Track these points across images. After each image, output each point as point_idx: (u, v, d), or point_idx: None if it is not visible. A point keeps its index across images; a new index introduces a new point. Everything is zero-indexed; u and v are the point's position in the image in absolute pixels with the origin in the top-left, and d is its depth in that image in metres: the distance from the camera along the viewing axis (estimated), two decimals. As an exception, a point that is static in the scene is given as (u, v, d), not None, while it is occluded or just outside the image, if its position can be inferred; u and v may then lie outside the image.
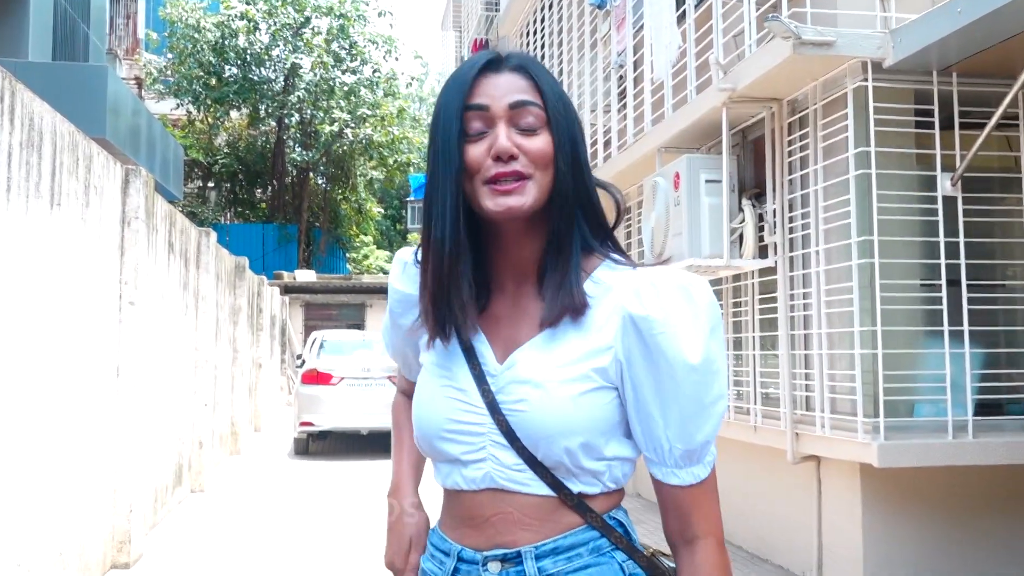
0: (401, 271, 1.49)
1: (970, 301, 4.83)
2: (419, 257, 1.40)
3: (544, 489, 1.28)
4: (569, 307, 1.29)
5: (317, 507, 8.03)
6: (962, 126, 4.89)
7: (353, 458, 11.56)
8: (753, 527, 6.13)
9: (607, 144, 8.39)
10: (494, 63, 1.32)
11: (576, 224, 1.32)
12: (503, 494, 1.30)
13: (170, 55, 27.56)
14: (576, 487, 1.29)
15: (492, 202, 1.27)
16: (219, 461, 10.40)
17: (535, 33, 11.51)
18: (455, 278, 1.31)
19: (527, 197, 1.27)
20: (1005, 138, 5.12)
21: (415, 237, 35.60)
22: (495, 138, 1.27)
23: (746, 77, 5.25)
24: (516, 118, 1.28)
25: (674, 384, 1.23)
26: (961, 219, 4.85)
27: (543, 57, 10.68)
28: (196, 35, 26.94)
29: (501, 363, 1.32)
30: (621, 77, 7.95)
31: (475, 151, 1.28)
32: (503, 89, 1.29)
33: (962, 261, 4.83)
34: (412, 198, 25.11)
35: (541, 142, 1.28)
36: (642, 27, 7.10)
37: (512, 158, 1.26)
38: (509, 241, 1.34)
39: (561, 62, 10.03)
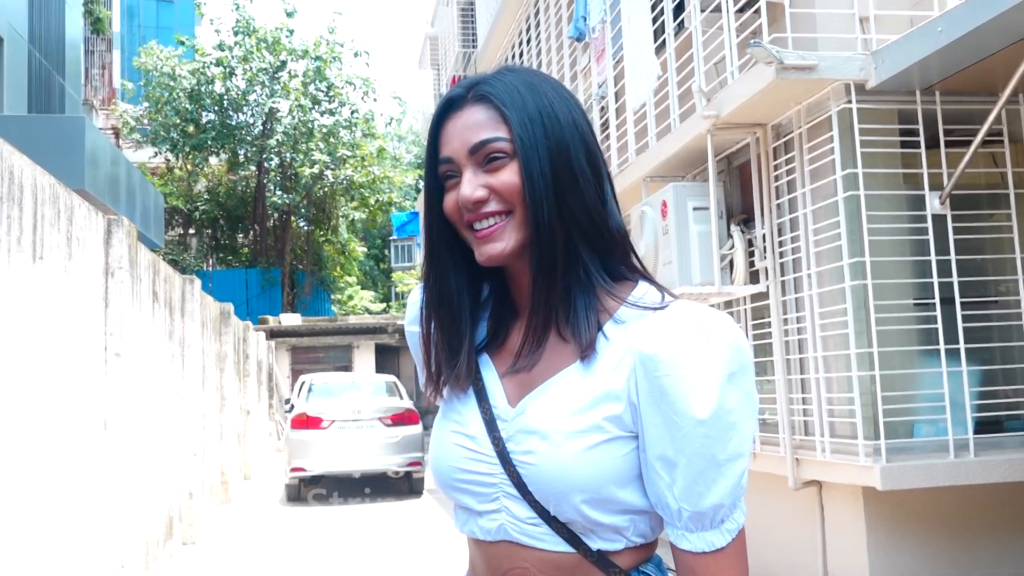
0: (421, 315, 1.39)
1: (965, 319, 4.82)
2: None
3: (562, 545, 1.17)
4: (581, 347, 1.19)
5: (312, 556, 7.88)
6: (947, 144, 4.90)
7: (347, 503, 11.39)
8: (756, 555, 6.04)
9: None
10: (456, 101, 1.23)
11: (574, 254, 1.20)
12: (520, 548, 1.20)
13: (146, 104, 27.56)
14: (595, 544, 1.17)
15: (477, 251, 1.21)
16: (210, 511, 10.23)
17: (513, 68, 11.55)
18: (450, 332, 1.27)
19: (505, 241, 1.19)
20: (991, 155, 5.13)
21: (399, 276, 35.55)
22: (461, 186, 1.20)
23: (729, 104, 5.25)
24: (481, 157, 1.19)
25: (680, 436, 1.10)
26: (952, 237, 4.85)
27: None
28: (172, 83, 26.98)
29: (514, 406, 1.23)
30: (603, 108, 7.97)
31: (450, 200, 1.22)
32: (462, 132, 1.20)
33: (954, 279, 4.82)
34: (395, 237, 25.05)
35: (507, 175, 1.17)
36: (622, 58, 7.12)
37: (480, 203, 1.18)
38: (513, 278, 1.28)
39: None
